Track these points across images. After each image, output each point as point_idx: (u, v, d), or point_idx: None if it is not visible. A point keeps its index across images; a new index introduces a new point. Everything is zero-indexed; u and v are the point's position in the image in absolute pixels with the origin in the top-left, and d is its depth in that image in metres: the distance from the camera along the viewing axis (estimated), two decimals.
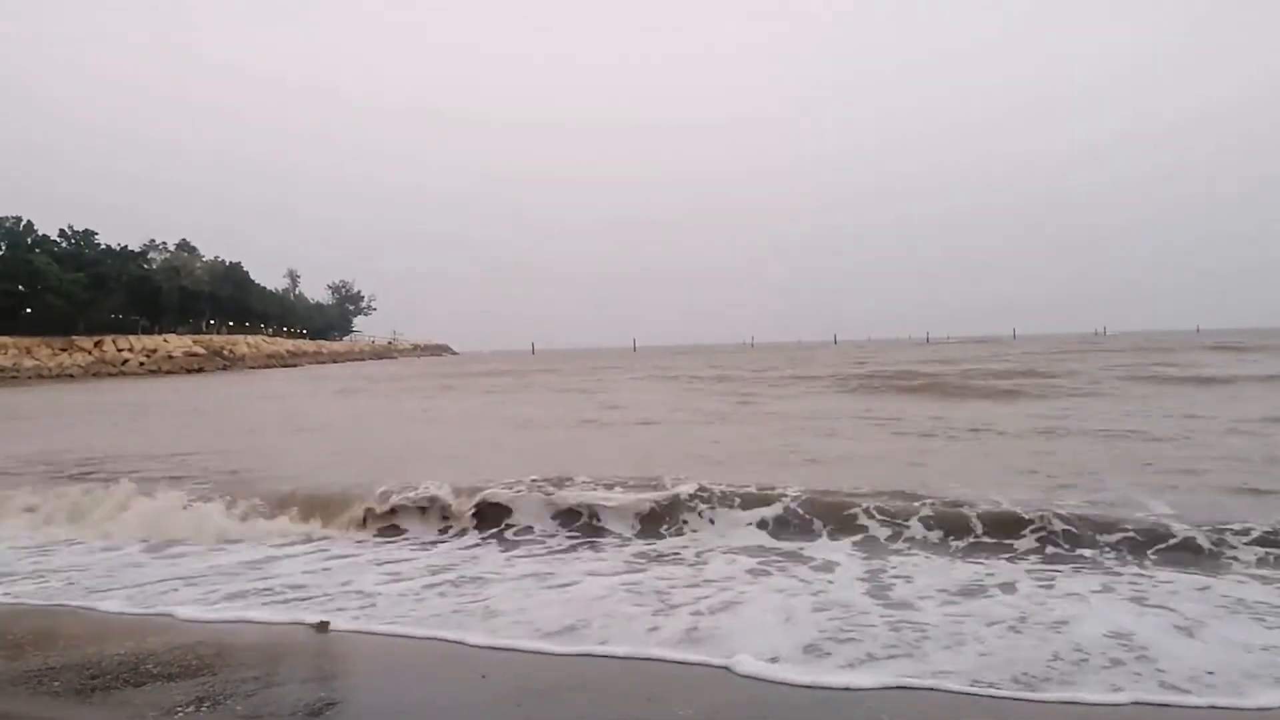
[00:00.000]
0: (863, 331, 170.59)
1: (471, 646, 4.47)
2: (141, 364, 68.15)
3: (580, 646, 4.40)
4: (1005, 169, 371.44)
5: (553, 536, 7.04)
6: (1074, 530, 6.13)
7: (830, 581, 5.43)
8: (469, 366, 59.32)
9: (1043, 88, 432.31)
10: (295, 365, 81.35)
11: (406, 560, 6.44)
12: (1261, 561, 5.50)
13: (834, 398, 20.71)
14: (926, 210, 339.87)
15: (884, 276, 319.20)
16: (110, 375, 62.31)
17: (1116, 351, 40.88)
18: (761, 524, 6.86)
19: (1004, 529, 6.29)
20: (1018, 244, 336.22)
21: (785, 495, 7.12)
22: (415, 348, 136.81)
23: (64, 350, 66.18)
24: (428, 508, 7.52)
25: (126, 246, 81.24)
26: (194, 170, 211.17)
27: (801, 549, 6.27)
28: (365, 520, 7.52)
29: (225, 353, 78.64)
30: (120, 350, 69.74)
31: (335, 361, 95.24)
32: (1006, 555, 5.95)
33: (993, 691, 3.67)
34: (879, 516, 6.65)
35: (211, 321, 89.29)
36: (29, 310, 66.78)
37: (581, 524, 7.20)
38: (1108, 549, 5.89)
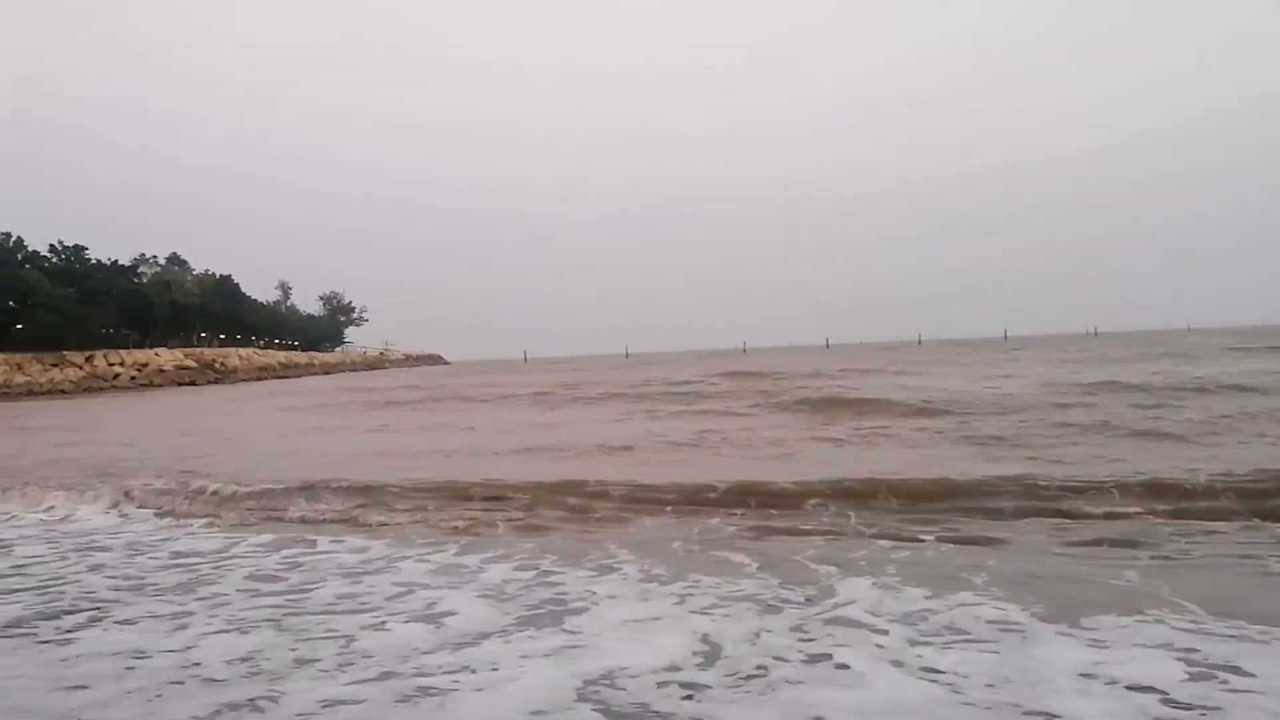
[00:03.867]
0: (855, 336, 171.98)
1: None
2: (133, 378, 68.49)
3: None
4: (988, 177, 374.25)
5: None
6: None
7: None
8: (405, 383, 59.38)
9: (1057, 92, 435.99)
10: (285, 377, 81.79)
11: None
12: None
13: None
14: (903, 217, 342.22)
15: (870, 282, 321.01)
16: (101, 390, 62.67)
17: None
18: None
19: None
20: (1008, 250, 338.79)
21: None
22: (407, 358, 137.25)
23: (55, 366, 66.45)
24: None
25: (117, 261, 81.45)
26: (184, 183, 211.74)
27: None
28: None
29: (217, 365, 79.02)
30: (111, 365, 70.03)
31: (327, 373, 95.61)
32: None
33: None
34: None
35: (203, 334, 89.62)
36: (20, 326, 67.07)
37: None
38: None
